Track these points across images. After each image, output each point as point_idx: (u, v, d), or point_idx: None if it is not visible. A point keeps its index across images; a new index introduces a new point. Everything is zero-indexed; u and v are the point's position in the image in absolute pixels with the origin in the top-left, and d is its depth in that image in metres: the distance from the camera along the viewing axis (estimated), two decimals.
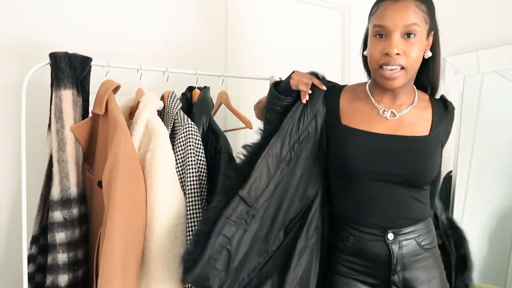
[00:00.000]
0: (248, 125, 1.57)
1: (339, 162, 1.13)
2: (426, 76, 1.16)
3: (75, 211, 1.20)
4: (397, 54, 1.03)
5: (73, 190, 1.20)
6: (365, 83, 1.20)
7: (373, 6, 1.11)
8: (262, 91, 1.67)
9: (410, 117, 1.13)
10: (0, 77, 1.40)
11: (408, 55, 1.04)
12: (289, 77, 1.16)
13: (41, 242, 1.25)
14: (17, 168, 1.42)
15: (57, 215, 1.18)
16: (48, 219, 1.20)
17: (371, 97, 1.16)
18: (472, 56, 2.16)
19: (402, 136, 1.11)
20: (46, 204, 1.24)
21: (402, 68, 1.04)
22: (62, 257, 1.17)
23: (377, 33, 1.06)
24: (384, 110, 1.13)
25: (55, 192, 1.19)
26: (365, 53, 1.14)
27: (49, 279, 1.17)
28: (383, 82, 1.07)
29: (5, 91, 1.41)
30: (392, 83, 1.06)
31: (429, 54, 1.11)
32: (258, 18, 1.92)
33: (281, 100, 1.16)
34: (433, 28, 1.11)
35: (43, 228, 1.24)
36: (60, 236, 1.17)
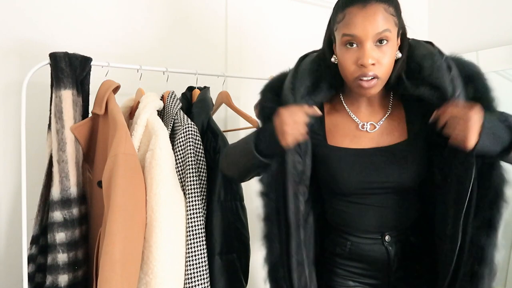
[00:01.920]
0: (255, 124, 1.56)
1: (329, 181, 1.11)
2: (395, 77, 1.07)
3: (75, 211, 1.20)
4: (372, 64, 0.97)
5: (73, 190, 1.20)
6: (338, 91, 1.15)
7: (337, 12, 1.03)
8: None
9: (390, 123, 1.10)
10: (0, 77, 1.40)
11: (382, 63, 0.98)
12: (271, 130, 1.00)
13: (41, 242, 1.25)
14: (17, 168, 1.42)
15: (57, 215, 1.18)
16: (48, 219, 1.20)
17: (348, 110, 1.12)
18: (472, 56, 2.16)
19: (384, 147, 1.07)
20: (46, 204, 1.24)
21: (376, 77, 0.99)
22: (62, 257, 1.17)
23: (347, 42, 0.99)
24: (364, 124, 1.10)
25: (55, 192, 1.19)
26: (333, 59, 1.07)
27: (49, 279, 1.17)
28: (361, 92, 1.02)
29: (5, 91, 1.41)
30: (370, 91, 1.01)
31: (399, 55, 1.04)
32: (258, 18, 1.92)
33: (262, 162, 1.04)
34: (401, 27, 1.04)
35: (43, 228, 1.24)
36: (60, 236, 1.17)
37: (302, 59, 1.15)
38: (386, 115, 1.10)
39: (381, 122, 1.10)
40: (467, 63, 1.07)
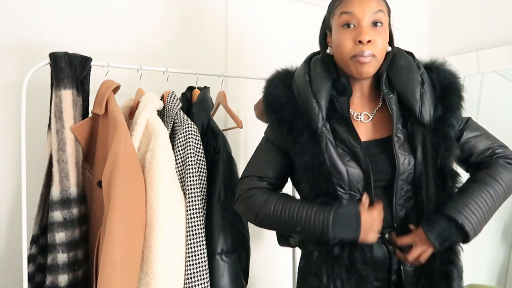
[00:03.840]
0: (239, 125, 1.56)
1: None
2: (383, 69, 1.12)
3: (75, 211, 1.20)
4: (369, 41, 1.02)
5: (73, 190, 1.20)
6: None
7: (334, 1, 1.11)
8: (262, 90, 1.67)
9: (382, 115, 1.12)
10: (0, 77, 1.40)
11: (377, 42, 1.04)
12: (357, 229, 1.03)
13: (41, 242, 1.25)
14: (17, 168, 1.42)
15: (57, 215, 1.18)
16: (48, 219, 1.20)
17: None
18: (472, 56, 2.16)
19: (376, 140, 1.10)
20: (46, 204, 1.24)
21: (374, 56, 1.04)
22: (62, 257, 1.17)
23: (345, 22, 1.05)
24: (358, 115, 1.13)
25: (55, 192, 1.19)
26: (328, 51, 1.13)
27: (49, 279, 1.17)
28: (358, 70, 1.05)
29: (5, 91, 1.41)
30: (366, 69, 1.05)
31: (389, 48, 1.11)
32: (258, 18, 1.92)
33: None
34: (390, 26, 1.12)
35: (43, 228, 1.24)
36: (60, 236, 1.17)
37: (309, 60, 1.17)
38: (379, 106, 1.13)
39: (375, 113, 1.13)
40: (446, 73, 1.13)
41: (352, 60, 1.05)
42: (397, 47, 1.16)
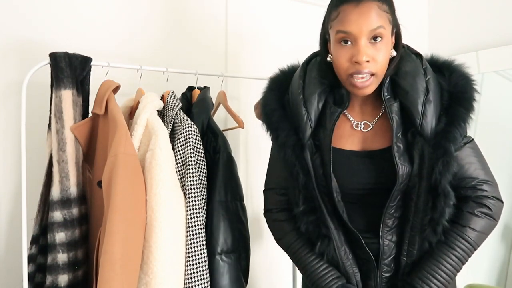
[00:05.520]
0: (240, 125, 1.56)
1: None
2: (387, 76, 1.07)
3: (75, 211, 1.20)
4: (367, 61, 0.97)
5: (73, 190, 1.20)
6: None
7: (331, 10, 1.04)
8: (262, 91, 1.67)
9: (383, 123, 1.09)
10: (0, 77, 1.40)
11: (377, 60, 0.99)
12: None
13: (41, 242, 1.25)
14: (17, 168, 1.42)
15: (57, 215, 1.18)
16: (48, 219, 1.20)
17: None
18: (472, 56, 2.16)
19: (375, 150, 1.07)
20: (46, 204, 1.24)
21: (372, 74, 0.99)
22: (62, 257, 1.17)
23: (342, 39, 0.99)
24: (358, 123, 1.10)
25: (55, 192, 1.19)
26: (328, 58, 1.07)
27: (49, 279, 1.17)
28: (354, 91, 1.02)
29: (5, 91, 1.41)
30: (364, 91, 1.01)
31: (393, 53, 1.05)
32: (258, 18, 1.92)
33: None
34: (395, 26, 1.05)
35: (43, 228, 1.24)
36: (60, 236, 1.17)
37: (306, 64, 1.15)
38: (380, 114, 1.10)
39: (375, 121, 1.10)
40: (460, 79, 1.06)
41: (349, 80, 1.01)
42: (405, 47, 1.11)
